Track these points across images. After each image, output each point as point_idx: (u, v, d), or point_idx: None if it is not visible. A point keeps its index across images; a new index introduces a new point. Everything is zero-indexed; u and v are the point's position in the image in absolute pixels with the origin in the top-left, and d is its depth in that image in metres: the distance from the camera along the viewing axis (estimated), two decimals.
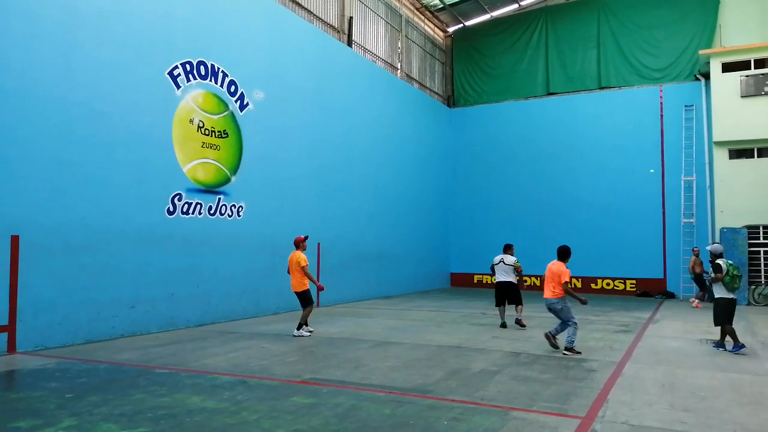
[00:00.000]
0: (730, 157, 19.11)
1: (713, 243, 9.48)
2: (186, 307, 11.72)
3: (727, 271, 9.26)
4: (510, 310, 12.30)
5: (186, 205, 11.79)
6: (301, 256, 10.62)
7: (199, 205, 12.09)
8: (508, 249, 12.26)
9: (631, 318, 14.01)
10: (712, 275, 9.42)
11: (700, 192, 20.18)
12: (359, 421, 5.43)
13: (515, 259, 12.08)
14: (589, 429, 5.24)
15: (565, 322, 9.29)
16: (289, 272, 10.86)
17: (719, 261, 9.41)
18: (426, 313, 14.69)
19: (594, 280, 21.89)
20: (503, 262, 12.04)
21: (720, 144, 19.13)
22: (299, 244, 10.85)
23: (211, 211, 12.41)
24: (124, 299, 10.46)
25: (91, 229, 9.90)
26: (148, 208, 11.00)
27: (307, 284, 10.64)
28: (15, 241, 8.77)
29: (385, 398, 6.26)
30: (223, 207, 12.71)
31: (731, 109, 18.75)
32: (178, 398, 6.19)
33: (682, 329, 12.08)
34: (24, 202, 8.91)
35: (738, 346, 9.25)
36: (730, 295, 9.35)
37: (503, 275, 11.98)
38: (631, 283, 21.23)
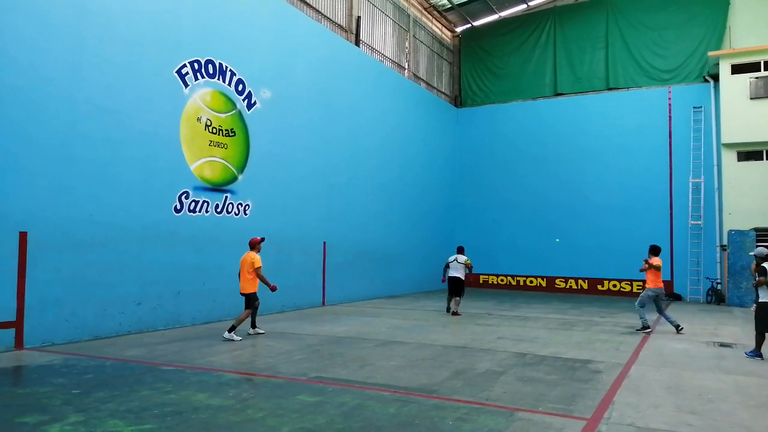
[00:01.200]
0: (739, 159, 19.02)
1: (757, 246, 9.42)
2: (192, 305, 11.75)
3: None
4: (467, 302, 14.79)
5: (193, 203, 11.83)
6: (255, 257, 10.33)
7: (206, 203, 12.13)
8: (461, 250, 14.76)
9: (638, 320, 13.92)
10: (757, 279, 9.19)
11: (708, 194, 20.08)
12: (364, 419, 5.43)
13: (466, 258, 14.49)
14: (594, 430, 5.23)
15: None
16: (239, 274, 10.49)
17: (765, 264, 9.18)
18: (431, 312, 14.69)
19: (601, 281, 21.82)
20: (456, 260, 14.32)
21: (728, 146, 19.04)
22: (255, 245, 10.55)
23: (218, 210, 12.44)
24: (130, 296, 10.50)
25: (98, 226, 9.95)
26: (156, 206, 11.04)
27: (256, 286, 10.35)
28: (23, 237, 8.82)
29: (390, 397, 6.26)
30: (230, 205, 12.75)
31: (740, 111, 18.66)
32: (183, 395, 6.21)
33: (688, 331, 12.02)
34: (32, 199, 8.96)
35: (756, 353, 9.11)
36: None
37: (455, 272, 14.25)
38: (638, 285, 21.13)
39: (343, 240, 16.61)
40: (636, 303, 12.06)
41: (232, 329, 9.99)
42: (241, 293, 10.46)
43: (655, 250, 12.25)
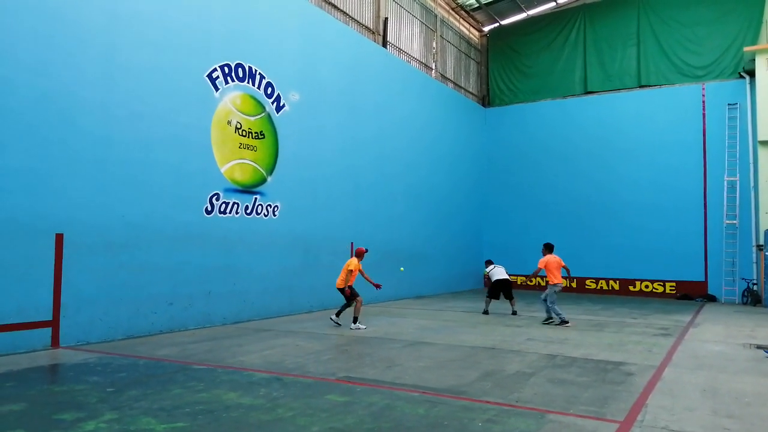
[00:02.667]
0: None
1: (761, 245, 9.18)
2: (222, 305, 11.90)
3: None
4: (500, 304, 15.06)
5: (223, 205, 11.97)
6: (358, 263, 12.04)
7: (236, 205, 12.27)
8: (490, 263, 15.20)
9: (671, 321, 13.68)
10: None
11: (743, 192, 19.60)
12: (393, 420, 5.43)
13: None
14: None
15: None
16: (344, 274, 11.86)
17: None
18: (459, 313, 14.62)
19: (632, 282, 21.47)
20: (496, 267, 14.83)
21: (765, 143, 18.56)
22: (362, 255, 12.21)
23: (248, 211, 12.57)
24: (162, 296, 10.68)
25: (131, 228, 10.14)
26: (187, 208, 11.21)
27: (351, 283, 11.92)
28: (59, 239, 9.04)
29: (419, 398, 6.25)
30: (259, 207, 12.87)
31: None
32: (215, 394, 6.29)
33: (724, 333, 11.75)
34: (67, 202, 9.18)
35: None
36: None
37: (501, 275, 14.60)
38: (670, 286, 20.76)
39: (371, 240, 16.61)
40: (545, 299, 12.67)
41: (355, 320, 11.54)
42: (340, 287, 11.87)
43: (548, 248, 13.06)
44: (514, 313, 14.27)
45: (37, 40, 8.85)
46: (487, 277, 14.70)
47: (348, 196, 15.95)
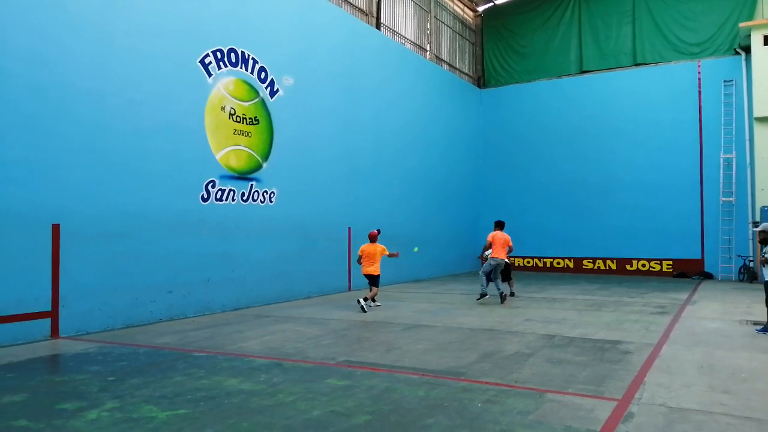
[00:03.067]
0: None
1: (757, 222, 9.18)
2: (221, 292, 11.93)
3: None
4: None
5: (219, 192, 11.95)
6: (382, 247, 12.28)
7: (232, 192, 12.24)
8: (501, 225, 13.96)
9: (668, 299, 13.77)
10: (765, 256, 9.01)
11: (740, 169, 19.62)
12: (393, 402, 5.47)
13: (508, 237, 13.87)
14: (625, 411, 5.19)
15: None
16: (364, 260, 12.09)
17: None
18: (457, 296, 14.68)
19: (629, 261, 21.56)
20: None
21: (761, 120, 18.53)
22: (376, 237, 12.36)
23: (244, 198, 12.55)
24: (161, 284, 10.69)
25: (128, 217, 10.12)
26: (183, 196, 11.19)
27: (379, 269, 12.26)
28: (56, 229, 9.02)
29: (419, 380, 6.29)
30: (256, 193, 12.85)
31: None
32: (216, 381, 6.32)
33: (720, 310, 11.83)
34: (63, 192, 9.14)
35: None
36: None
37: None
38: (667, 264, 20.84)
39: (368, 225, 16.58)
40: (480, 271, 13.25)
41: (369, 299, 12.00)
42: (371, 275, 12.10)
43: (497, 224, 13.56)
44: (512, 294, 14.21)
45: (31, 29, 8.76)
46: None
47: (345, 181, 15.92)
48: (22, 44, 8.66)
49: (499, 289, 13.04)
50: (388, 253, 12.22)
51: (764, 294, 9.21)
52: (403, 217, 18.68)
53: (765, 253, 9.03)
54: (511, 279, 14.49)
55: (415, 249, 15.17)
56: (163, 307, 10.72)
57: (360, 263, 12.26)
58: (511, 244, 13.31)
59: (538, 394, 5.76)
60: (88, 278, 9.46)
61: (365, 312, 11.58)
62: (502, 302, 12.83)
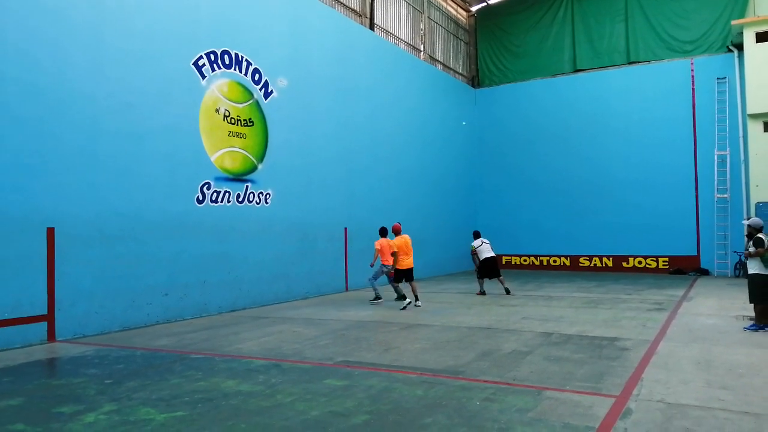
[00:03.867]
0: (765, 130, 18.57)
1: (750, 217, 9.26)
2: (218, 294, 11.90)
3: None
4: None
5: (215, 194, 11.93)
6: (408, 237, 12.45)
7: (227, 194, 12.22)
8: (478, 235, 14.90)
9: (665, 296, 13.81)
10: (750, 249, 9.10)
11: (734, 166, 19.69)
12: (392, 402, 5.47)
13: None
14: (623, 408, 5.20)
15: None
16: (398, 255, 12.10)
17: (761, 235, 9.03)
18: (454, 295, 14.69)
19: (626, 258, 21.61)
20: (484, 243, 14.50)
21: (754, 116, 18.60)
22: (400, 230, 12.49)
23: (240, 199, 12.53)
24: (158, 287, 10.67)
25: (123, 219, 10.09)
26: (179, 198, 11.16)
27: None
28: (51, 233, 8.98)
29: (417, 380, 6.29)
30: (251, 195, 12.83)
31: (766, 81, 18.17)
32: (213, 382, 6.31)
33: (717, 306, 11.87)
34: (58, 195, 9.11)
35: (758, 326, 8.98)
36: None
37: (488, 253, 14.41)
38: (663, 261, 20.91)
39: (365, 225, 16.62)
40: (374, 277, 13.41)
41: (416, 297, 12.34)
42: (410, 268, 12.30)
43: (382, 232, 13.51)
44: (508, 292, 14.33)
45: (25, 32, 8.74)
46: (474, 253, 14.56)
47: (341, 182, 15.91)
48: (14, 47, 8.62)
49: (375, 288, 13.31)
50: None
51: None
52: (400, 217, 18.58)
53: (749, 247, 9.13)
54: (500, 275, 14.58)
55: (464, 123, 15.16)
56: (159, 310, 10.69)
57: (385, 262, 12.78)
58: (396, 251, 12.44)
59: (536, 391, 5.77)
60: (84, 281, 9.42)
61: (405, 309, 11.84)
62: (372, 299, 13.28)
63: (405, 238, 12.29)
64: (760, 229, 9.21)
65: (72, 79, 9.38)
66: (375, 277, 13.29)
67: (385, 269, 13.18)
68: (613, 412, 5.07)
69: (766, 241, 8.91)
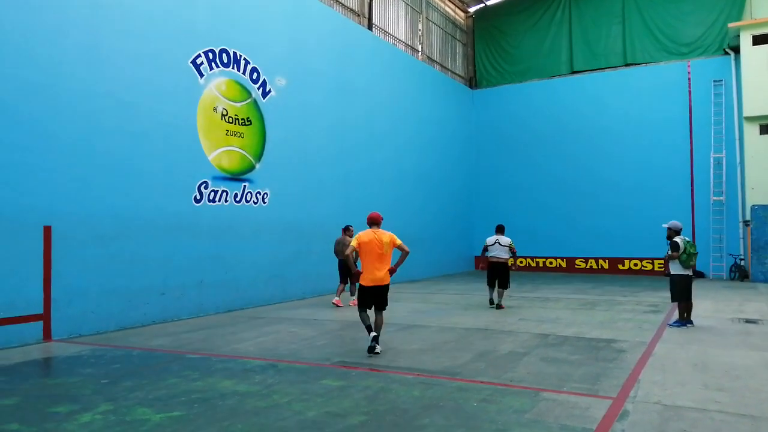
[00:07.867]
0: (761, 132, 18.65)
1: (671, 221, 9.76)
2: (215, 294, 11.87)
3: (684, 248, 9.52)
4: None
5: (212, 193, 11.90)
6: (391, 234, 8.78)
7: (224, 193, 12.19)
8: (501, 230, 12.58)
9: (660, 298, 13.84)
10: (669, 253, 9.61)
11: (730, 169, 19.75)
12: (389, 402, 5.47)
13: (510, 240, 12.32)
14: (620, 409, 5.21)
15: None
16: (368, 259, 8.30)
17: (677, 239, 9.60)
18: (451, 296, 14.69)
19: (621, 260, 21.64)
20: (498, 242, 12.22)
21: (750, 119, 18.67)
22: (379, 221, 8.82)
23: (237, 199, 12.51)
24: (154, 287, 10.64)
25: (120, 219, 10.06)
26: (176, 197, 11.13)
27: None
28: (47, 231, 8.95)
29: (414, 380, 6.29)
30: (249, 194, 12.81)
31: (762, 83, 18.25)
32: (210, 382, 6.29)
33: (712, 308, 11.90)
34: (55, 194, 9.07)
35: (681, 322, 9.55)
36: (686, 272, 9.61)
37: (497, 254, 12.17)
38: (659, 263, 20.93)
39: (362, 226, 16.52)
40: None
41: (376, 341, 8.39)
42: (375, 287, 8.31)
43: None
44: (499, 306, 11.99)
45: (20, 31, 8.69)
46: (486, 249, 12.33)
47: (338, 182, 15.90)
48: (9, 45, 8.58)
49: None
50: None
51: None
52: (397, 217, 18.60)
53: (668, 249, 9.68)
54: (506, 288, 12.35)
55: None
56: (156, 309, 10.65)
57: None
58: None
59: (533, 393, 5.77)
60: (80, 280, 9.39)
61: None
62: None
63: (379, 235, 8.26)
64: (678, 232, 9.77)
65: (69, 77, 9.34)
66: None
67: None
68: (610, 414, 5.08)
69: (680, 244, 9.49)
